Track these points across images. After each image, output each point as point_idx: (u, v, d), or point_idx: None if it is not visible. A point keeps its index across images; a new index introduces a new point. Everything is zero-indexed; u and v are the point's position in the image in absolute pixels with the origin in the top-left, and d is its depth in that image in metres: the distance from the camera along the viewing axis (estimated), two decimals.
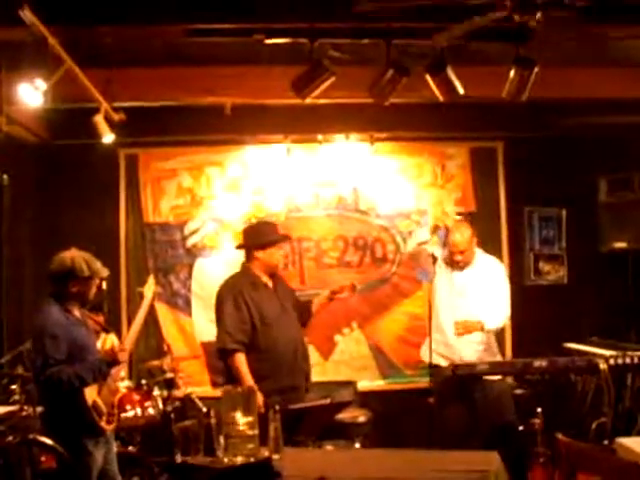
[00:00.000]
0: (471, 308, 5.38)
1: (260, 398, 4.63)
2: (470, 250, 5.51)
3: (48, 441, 3.66)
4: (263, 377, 4.88)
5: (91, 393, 4.07)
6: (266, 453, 2.91)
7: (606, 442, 4.79)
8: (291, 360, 5.09)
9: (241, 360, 4.93)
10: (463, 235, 5.49)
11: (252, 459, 2.82)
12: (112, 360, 4.19)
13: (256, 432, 2.87)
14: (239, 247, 5.45)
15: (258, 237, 5.22)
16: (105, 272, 4.32)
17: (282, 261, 5.64)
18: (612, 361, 4.98)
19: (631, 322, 6.38)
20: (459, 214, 6.76)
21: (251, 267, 5.21)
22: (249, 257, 5.24)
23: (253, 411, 2.87)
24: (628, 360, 5.02)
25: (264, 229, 5.37)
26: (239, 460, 2.81)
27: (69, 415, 4.01)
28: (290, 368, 5.08)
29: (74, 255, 4.19)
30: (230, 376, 4.96)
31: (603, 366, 4.92)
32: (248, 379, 4.83)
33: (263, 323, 5.06)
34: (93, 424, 4.06)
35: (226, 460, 2.83)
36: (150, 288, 4.83)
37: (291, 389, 5.02)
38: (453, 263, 5.53)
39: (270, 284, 5.26)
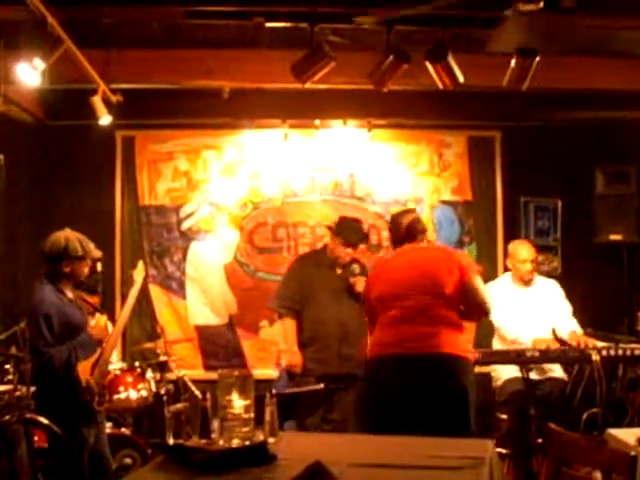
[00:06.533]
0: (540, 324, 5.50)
1: (299, 359, 5.40)
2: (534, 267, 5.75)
3: (44, 421, 3.67)
4: (302, 344, 5.47)
5: (84, 374, 4.09)
6: (261, 436, 2.92)
7: (597, 433, 4.81)
8: (328, 339, 5.49)
9: (286, 323, 5.58)
10: (528, 248, 5.72)
11: (248, 442, 2.83)
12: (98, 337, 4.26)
13: (252, 415, 2.87)
14: (328, 227, 5.89)
15: (339, 226, 5.65)
16: (98, 253, 4.33)
17: (343, 258, 5.66)
18: (604, 352, 5.00)
19: (624, 314, 6.41)
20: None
21: (327, 248, 5.73)
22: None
23: (249, 394, 2.87)
24: (620, 352, 5.03)
25: (349, 224, 5.72)
26: (235, 443, 2.82)
27: (63, 395, 4.03)
28: (326, 346, 5.49)
29: (68, 235, 4.20)
30: None
31: (595, 357, 4.94)
32: (289, 340, 5.50)
33: (312, 299, 5.55)
34: (86, 405, 4.08)
35: (221, 442, 2.83)
36: (140, 273, 4.85)
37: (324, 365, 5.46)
38: (522, 277, 5.70)
39: (339, 269, 5.68)
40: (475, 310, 4.27)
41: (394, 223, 4.55)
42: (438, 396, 3.99)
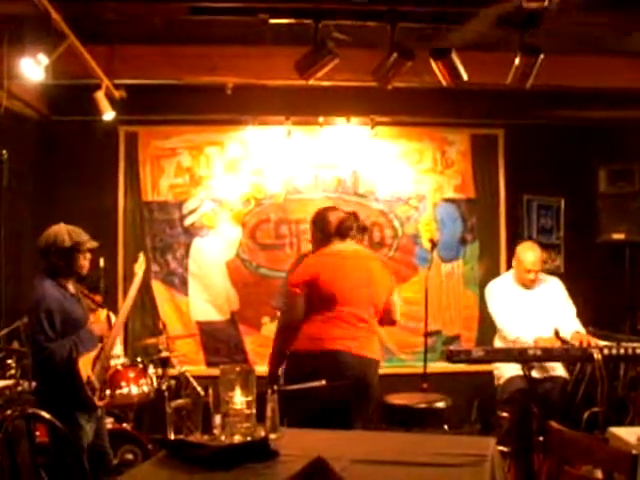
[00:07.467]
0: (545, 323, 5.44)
1: None
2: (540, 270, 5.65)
3: (47, 415, 3.68)
4: None
5: (85, 369, 4.09)
6: (263, 432, 2.92)
7: (598, 431, 4.81)
8: None
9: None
10: (536, 255, 5.55)
11: (249, 438, 2.84)
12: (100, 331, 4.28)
13: (253, 411, 2.88)
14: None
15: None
16: (92, 244, 4.28)
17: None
18: (606, 351, 4.98)
19: (626, 313, 6.40)
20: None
21: None
22: None
23: (251, 390, 2.88)
24: (622, 351, 5.01)
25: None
26: (236, 439, 2.82)
27: (63, 390, 4.03)
28: None
29: (59, 228, 4.21)
30: None
31: (597, 356, 4.91)
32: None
33: None
34: (87, 399, 4.08)
35: (223, 438, 2.84)
36: (141, 266, 4.84)
37: None
38: (524, 282, 5.59)
39: None
40: (389, 322, 4.78)
41: (321, 219, 4.72)
42: (354, 391, 4.28)
